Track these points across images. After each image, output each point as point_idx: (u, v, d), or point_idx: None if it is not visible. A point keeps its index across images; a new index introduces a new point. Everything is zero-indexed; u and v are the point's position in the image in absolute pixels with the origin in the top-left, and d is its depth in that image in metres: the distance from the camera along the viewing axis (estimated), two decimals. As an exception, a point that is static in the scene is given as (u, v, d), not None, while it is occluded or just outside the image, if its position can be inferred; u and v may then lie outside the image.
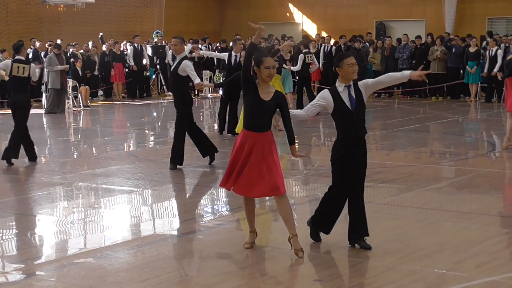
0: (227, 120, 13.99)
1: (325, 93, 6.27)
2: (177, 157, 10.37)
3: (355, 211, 6.33)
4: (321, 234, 6.50)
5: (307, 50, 18.05)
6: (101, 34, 23.42)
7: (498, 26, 25.12)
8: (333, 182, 6.35)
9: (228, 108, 13.91)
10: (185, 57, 10.14)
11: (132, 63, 22.53)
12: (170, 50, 23.32)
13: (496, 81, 19.65)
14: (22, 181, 10.09)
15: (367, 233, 6.32)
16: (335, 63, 6.33)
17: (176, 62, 10.25)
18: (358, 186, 6.32)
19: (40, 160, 11.43)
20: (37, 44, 21.23)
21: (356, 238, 6.31)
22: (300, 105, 16.49)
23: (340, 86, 6.24)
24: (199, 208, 8.52)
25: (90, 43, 22.58)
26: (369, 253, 6.16)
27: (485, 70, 19.85)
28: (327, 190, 6.42)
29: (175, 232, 7.23)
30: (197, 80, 10.39)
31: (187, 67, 9.98)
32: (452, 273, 5.64)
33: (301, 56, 16.97)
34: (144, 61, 22.97)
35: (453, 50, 20.90)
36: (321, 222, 6.46)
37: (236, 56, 13.73)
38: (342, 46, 23.04)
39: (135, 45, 22.78)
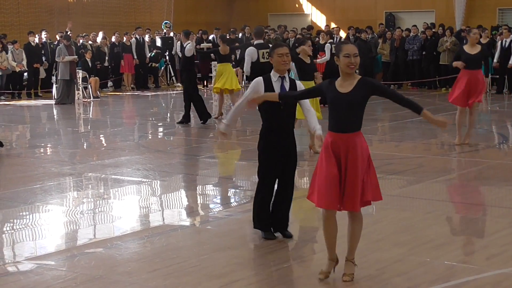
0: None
1: (259, 80, 6.17)
2: None
3: (278, 205, 6.33)
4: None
5: (332, 40, 17.91)
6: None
7: (509, 17, 24.89)
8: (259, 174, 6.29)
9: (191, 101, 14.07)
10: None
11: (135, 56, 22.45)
12: (178, 41, 23.32)
13: (508, 72, 19.57)
14: (32, 171, 10.13)
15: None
16: (269, 52, 6.30)
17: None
18: (286, 182, 6.26)
19: (50, 151, 11.47)
20: (43, 34, 21.07)
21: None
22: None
23: (274, 75, 6.21)
24: (208, 198, 8.53)
25: (100, 34, 22.58)
26: (378, 244, 6.15)
27: (495, 60, 19.72)
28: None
29: (184, 223, 7.25)
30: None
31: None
32: (462, 265, 5.63)
33: (327, 46, 16.85)
34: (148, 53, 22.85)
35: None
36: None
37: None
38: (351, 37, 22.95)
39: (137, 36, 22.68)
